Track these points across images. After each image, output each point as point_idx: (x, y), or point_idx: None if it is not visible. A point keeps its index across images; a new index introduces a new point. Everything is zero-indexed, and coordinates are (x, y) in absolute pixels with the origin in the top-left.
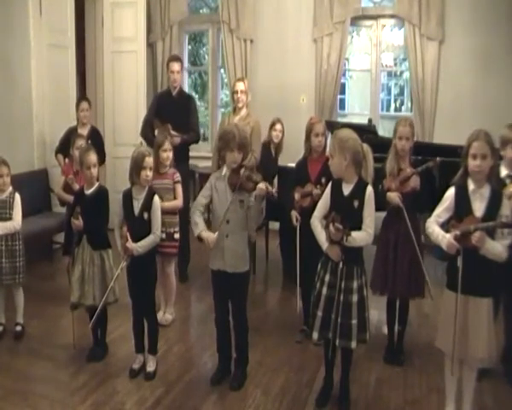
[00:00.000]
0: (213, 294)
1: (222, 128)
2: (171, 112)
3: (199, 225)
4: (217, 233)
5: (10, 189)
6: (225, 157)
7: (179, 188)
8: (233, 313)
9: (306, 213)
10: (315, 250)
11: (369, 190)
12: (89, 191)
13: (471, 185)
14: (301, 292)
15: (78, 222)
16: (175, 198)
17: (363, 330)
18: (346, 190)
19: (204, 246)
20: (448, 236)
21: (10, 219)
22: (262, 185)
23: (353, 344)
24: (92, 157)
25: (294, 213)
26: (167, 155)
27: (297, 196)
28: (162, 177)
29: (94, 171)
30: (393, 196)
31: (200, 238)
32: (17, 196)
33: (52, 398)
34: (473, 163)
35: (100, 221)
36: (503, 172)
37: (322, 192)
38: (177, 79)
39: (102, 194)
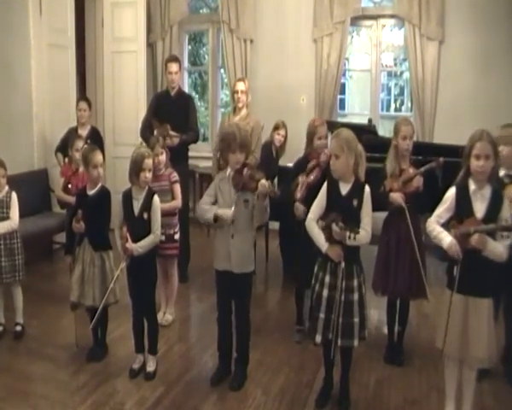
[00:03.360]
0: (217, 293)
1: (222, 129)
2: (169, 112)
3: (210, 209)
4: (233, 208)
5: (6, 188)
6: (228, 159)
7: (177, 188)
8: (236, 313)
9: (311, 199)
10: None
11: (368, 189)
12: (91, 192)
13: (472, 186)
14: (296, 293)
15: (79, 226)
16: (173, 199)
17: (363, 327)
18: (344, 189)
19: (207, 244)
20: (449, 237)
21: (8, 218)
22: (264, 182)
23: (355, 342)
24: (99, 157)
25: (300, 206)
26: (158, 159)
27: (301, 178)
28: (159, 179)
29: (100, 171)
30: (396, 197)
31: (216, 219)
32: (13, 195)
33: (52, 398)
34: (476, 164)
35: (102, 223)
36: (501, 171)
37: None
38: (175, 79)
39: (105, 195)
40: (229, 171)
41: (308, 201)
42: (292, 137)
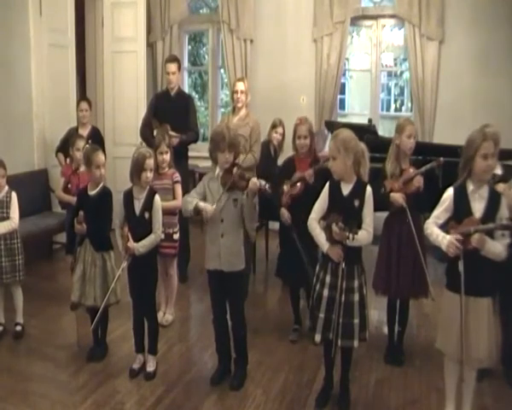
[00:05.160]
0: (210, 294)
1: (212, 130)
2: (169, 112)
3: (192, 201)
4: (215, 204)
5: (6, 188)
6: (217, 158)
7: (178, 188)
8: (230, 313)
9: (296, 206)
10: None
11: (369, 189)
12: (93, 192)
13: (470, 186)
14: (290, 292)
15: (80, 227)
16: (174, 198)
17: (364, 328)
18: (346, 190)
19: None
20: (448, 237)
21: (8, 218)
22: (255, 180)
23: (355, 343)
24: (101, 157)
25: (285, 212)
26: (163, 157)
27: (286, 187)
28: (161, 177)
29: (103, 171)
30: (397, 197)
31: (197, 211)
32: (13, 195)
33: (52, 398)
34: (485, 163)
35: (103, 223)
36: None
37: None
38: (173, 80)
39: (106, 195)
40: (217, 170)
41: (293, 208)
42: (291, 136)
